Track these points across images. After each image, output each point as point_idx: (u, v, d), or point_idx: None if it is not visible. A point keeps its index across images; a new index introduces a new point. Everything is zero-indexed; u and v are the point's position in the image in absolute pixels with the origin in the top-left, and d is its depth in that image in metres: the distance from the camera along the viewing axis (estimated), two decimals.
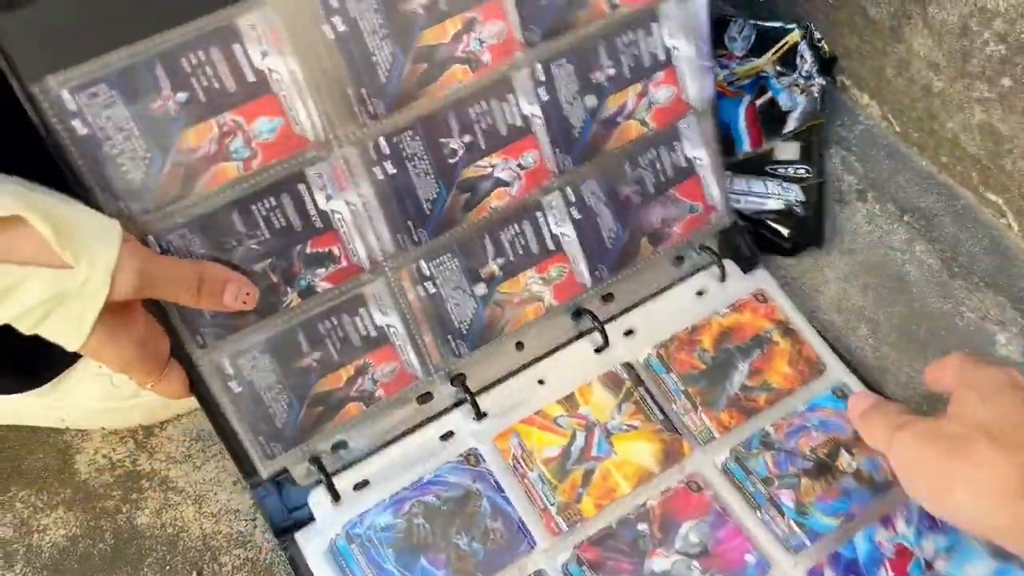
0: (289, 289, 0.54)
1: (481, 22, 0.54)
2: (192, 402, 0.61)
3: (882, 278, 0.71)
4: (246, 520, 0.62)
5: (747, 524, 0.59)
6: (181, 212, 0.50)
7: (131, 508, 0.63)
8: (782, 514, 0.59)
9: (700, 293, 0.66)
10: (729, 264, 0.67)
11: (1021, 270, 0.70)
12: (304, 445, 0.57)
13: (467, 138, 0.56)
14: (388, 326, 0.58)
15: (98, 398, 0.64)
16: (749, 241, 0.67)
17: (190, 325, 0.52)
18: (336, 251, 0.55)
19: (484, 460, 0.60)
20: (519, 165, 0.58)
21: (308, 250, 0.54)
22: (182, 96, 0.48)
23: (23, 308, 0.44)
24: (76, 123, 0.46)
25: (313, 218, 0.53)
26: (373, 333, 0.57)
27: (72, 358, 0.63)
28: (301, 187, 0.52)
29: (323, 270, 0.55)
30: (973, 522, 0.46)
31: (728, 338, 0.65)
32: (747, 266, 0.67)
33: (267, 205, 0.52)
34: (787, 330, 0.66)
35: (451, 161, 0.56)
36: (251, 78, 0.49)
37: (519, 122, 0.57)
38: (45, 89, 0.45)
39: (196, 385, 0.54)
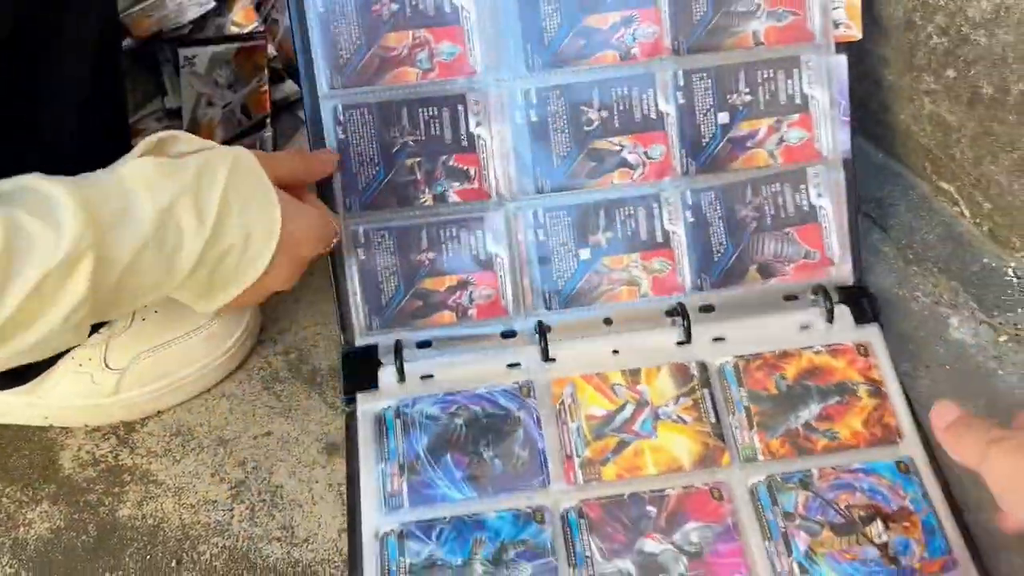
0: (427, 189, 0.67)
1: (639, 21, 0.65)
2: (171, 399, 0.70)
3: None
4: (224, 510, 0.64)
5: (751, 548, 0.58)
6: (367, 95, 0.65)
7: (113, 501, 0.65)
8: (789, 553, 0.58)
9: (805, 327, 0.67)
10: (841, 310, 0.66)
11: (973, 255, 0.74)
12: (397, 330, 0.67)
13: (604, 113, 0.66)
14: (496, 255, 0.67)
15: (79, 395, 0.67)
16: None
17: (345, 193, 0.67)
18: (472, 172, 0.67)
19: (535, 396, 0.65)
20: (646, 154, 0.66)
21: (451, 162, 0.66)
22: (394, 6, 0.64)
23: (223, 185, 0.51)
24: (318, 2, 0.64)
25: (462, 137, 0.66)
26: (483, 256, 0.67)
27: (53, 356, 0.64)
28: (460, 107, 0.66)
29: (458, 184, 0.67)
30: None
31: (812, 375, 0.65)
32: (861, 319, 0.67)
33: (430, 112, 0.66)
34: (876, 391, 0.64)
35: (586, 129, 0.66)
36: (447, 9, 0.64)
37: (654, 115, 0.66)
38: None
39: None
